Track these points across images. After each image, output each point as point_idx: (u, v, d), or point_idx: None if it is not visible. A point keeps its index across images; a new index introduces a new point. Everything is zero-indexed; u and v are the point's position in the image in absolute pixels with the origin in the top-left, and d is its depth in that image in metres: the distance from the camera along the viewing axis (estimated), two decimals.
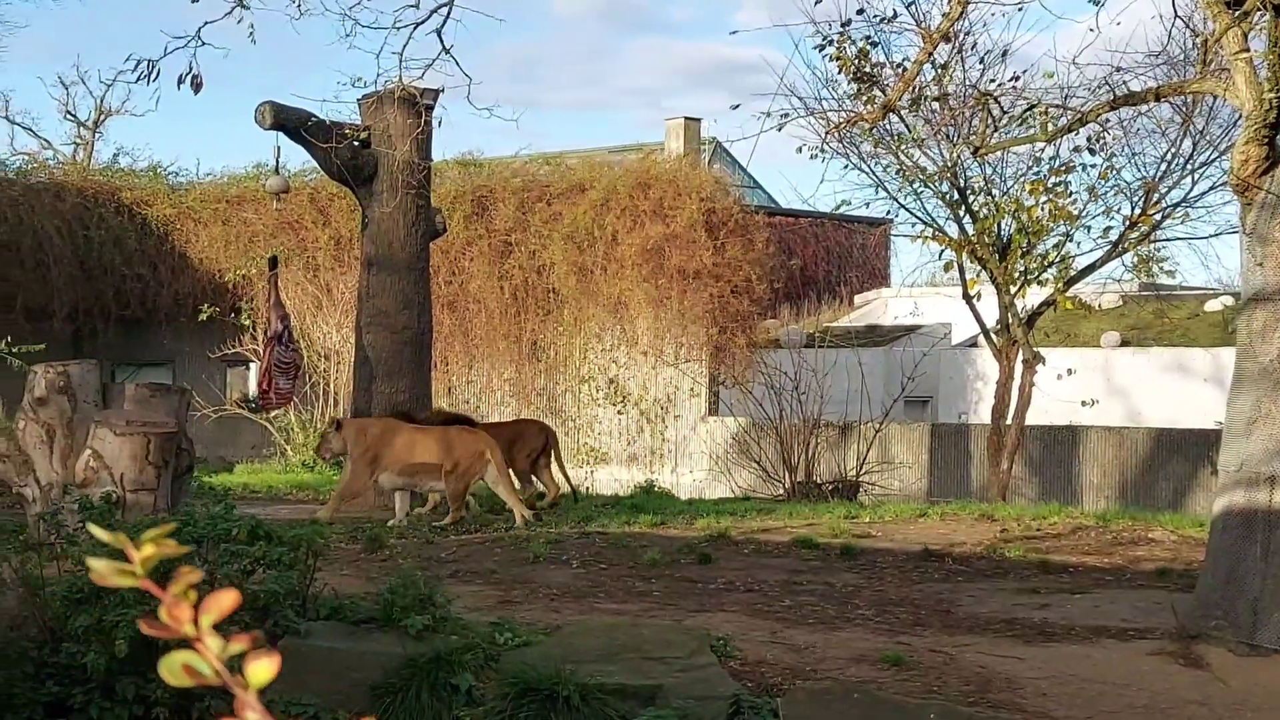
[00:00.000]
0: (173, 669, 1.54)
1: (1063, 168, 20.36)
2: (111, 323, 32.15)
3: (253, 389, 27.93)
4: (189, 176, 34.84)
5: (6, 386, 23.02)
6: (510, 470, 17.15)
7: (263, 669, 1.53)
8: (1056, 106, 16.78)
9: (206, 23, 13.83)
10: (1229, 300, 27.18)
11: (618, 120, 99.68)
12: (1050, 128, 16.50)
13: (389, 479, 16.00)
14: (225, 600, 1.57)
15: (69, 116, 47.35)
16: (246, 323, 28.33)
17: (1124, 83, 15.50)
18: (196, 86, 13.87)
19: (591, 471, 28.74)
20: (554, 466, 18.39)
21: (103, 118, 46.92)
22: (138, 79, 14.03)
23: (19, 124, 48.13)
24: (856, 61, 16.78)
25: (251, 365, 28.79)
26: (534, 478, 18.27)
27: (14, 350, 17.45)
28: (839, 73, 17.27)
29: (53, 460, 12.18)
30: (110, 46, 79.86)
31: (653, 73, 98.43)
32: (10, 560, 9.41)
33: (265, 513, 14.20)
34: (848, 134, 19.79)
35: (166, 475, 12.14)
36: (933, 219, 21.98)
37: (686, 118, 33.75)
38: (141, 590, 1.60)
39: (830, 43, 16.60)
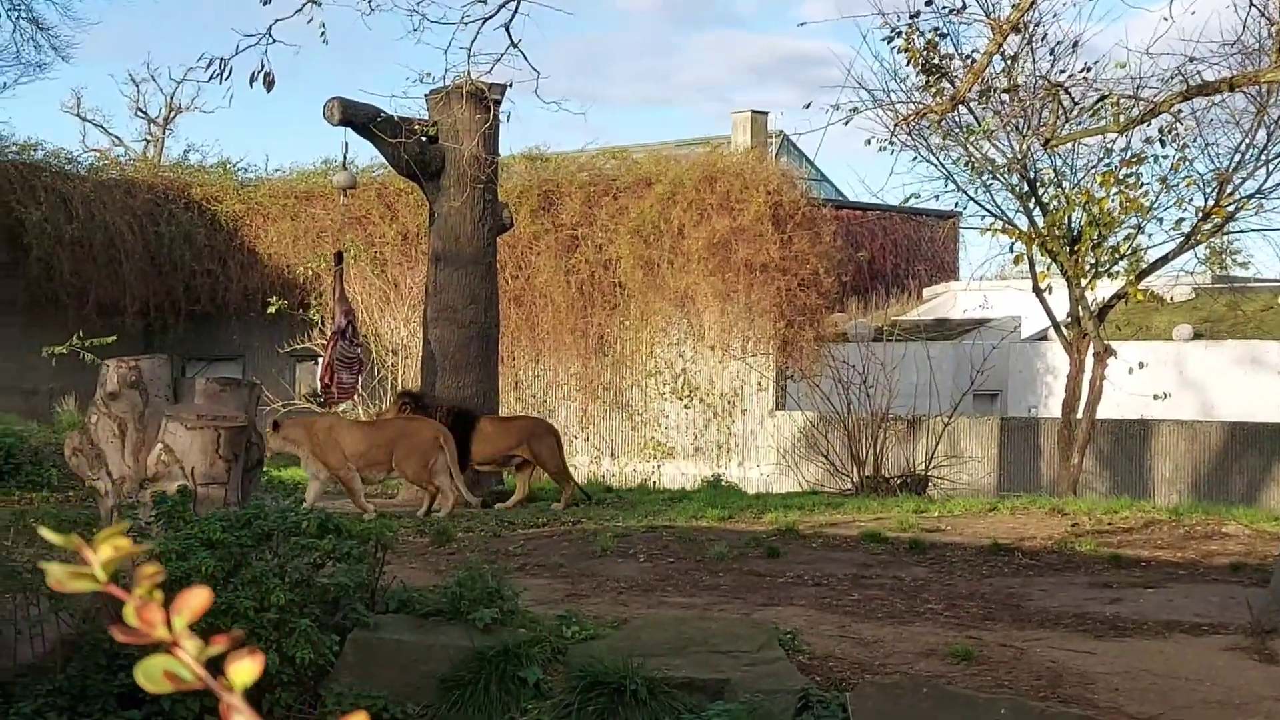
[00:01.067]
0: (151, 675, 1.45)
1: (1134, 159, 20.14)
2: (182, 318, 32.42)
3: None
4: (258, 172, 35.12)
5: (80, 381, 23.27)
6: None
7: (245, 669, 1.46)
8: (1128, 97, 16.62)
9: (277, 20, 13.87)
10: None
11: (682, 115, 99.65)
12: (1122, 119, 16.35)
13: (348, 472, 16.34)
14: (196, 599, 1.48)
15: (140, 113, 47.80)
16: (315, 318, 28.49)
17: (1197, 73, 15.35)
18: (269, 84, 13.93)
19: (658, 466, 28.73)
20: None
21: (173, 114, 47.33)
22: (210, 77, 14.09)
23: (91, 121, 48.61)
24: (925, 53, 16.69)
25: (320, 360, 28.96)
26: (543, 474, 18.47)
27: (87, 345, 17.64)
28: (907, 64, 17.15)
29: (124, 454, 12.27)
30: (180, 43, 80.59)
31: (716, 66, 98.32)
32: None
33: (333, 506, 14.28)
34: (916, 126, 19.65)
35: (237, 469, 12.21)
36: (1002, 211, 21.81)
37: (753, 111, 33.65)
38: (114, 626, 1.52)
39: (898, 34, 16.51)
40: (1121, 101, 16.63)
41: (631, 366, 29.77)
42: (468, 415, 18.21)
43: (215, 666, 1.50)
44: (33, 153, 31.37)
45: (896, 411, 21.88)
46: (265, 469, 15.39)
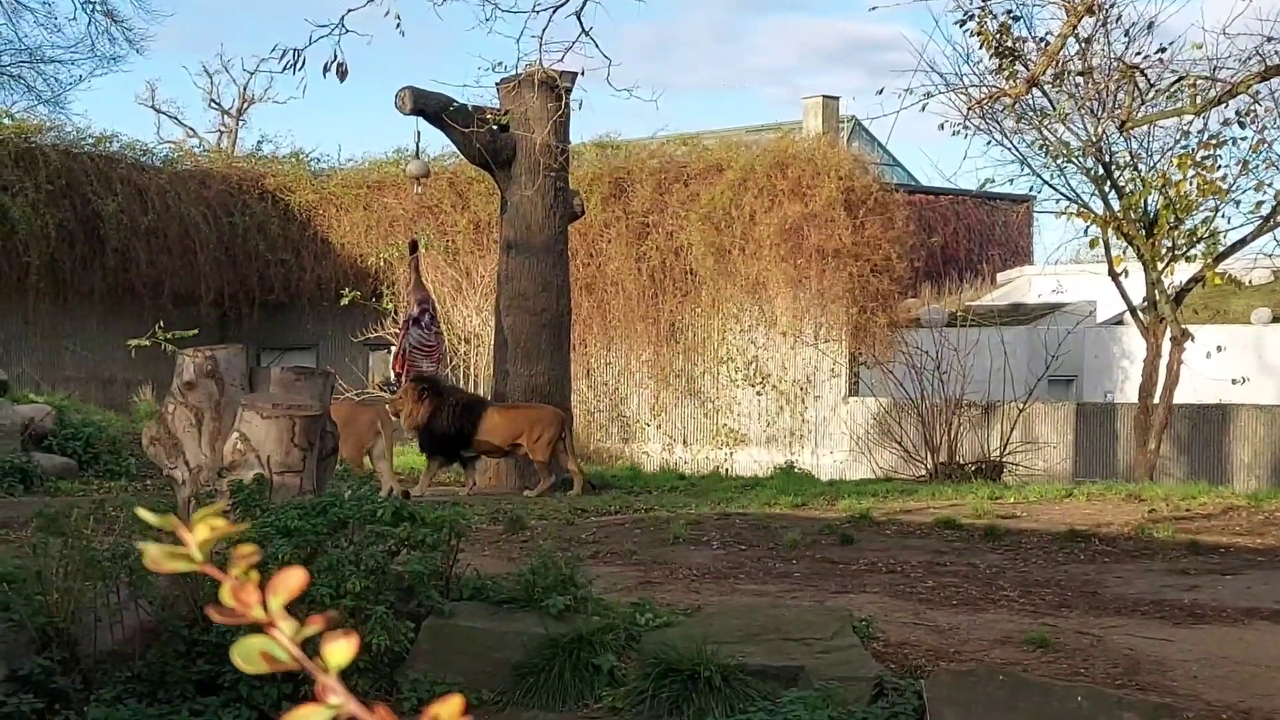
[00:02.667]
0: (248, 655, 1.45)
1: (1212, 141, 19.91)
2: (256, 307, 32.69)
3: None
4: (330, 163, 35.33)
5: (157, 371, 23.50)
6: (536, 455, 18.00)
7: (341, 650, 1.46)
8: (1205, 78, 16.46)
9: (350, 10, 13.95)
10: None
11: (750, 100, 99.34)
12: (1199, 100, 16.19)
13: None
14: (292, 579, 1.49)
15: (213, 105, 48.22)
16: (388, 307, 28.65)
17: (1276, 52, 15.16)
18: (342, 74, 13.99)
19: (731, 453, 28.71)
20: (567, 454, 18.60)
21: (246, 105, 47.71)
22: (284, 68, 14.17)
23: (165, 113, 49.06)
24: (998, 36, 16.59)
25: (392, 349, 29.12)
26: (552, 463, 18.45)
27: (167, 336, 17.81)
28: (980, 48, 17.06)
29: (201, 443, 12.38)
30: (253, 34, 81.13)
31: (784, 52, 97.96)
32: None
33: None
34: (990, 110, 19.53)
35: (312, 458, 12.29)
36: (1077, 195, 21.66)
37: (825, 96, 33.52)
38: (210, 607, 1.51)
39: (971, 18, 16.43)
40: (1198, 83, 16.46)
41: (703, 353, 29.75)
42: (477, 404, 18.47)
43: (308, 648, 1.50)
44: (109, 145, 31.69)
45: (970, 397, 21.77)
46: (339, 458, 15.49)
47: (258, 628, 1.46)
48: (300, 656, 1.46)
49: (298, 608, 1.52)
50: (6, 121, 30.66)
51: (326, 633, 1.48)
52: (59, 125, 31.96)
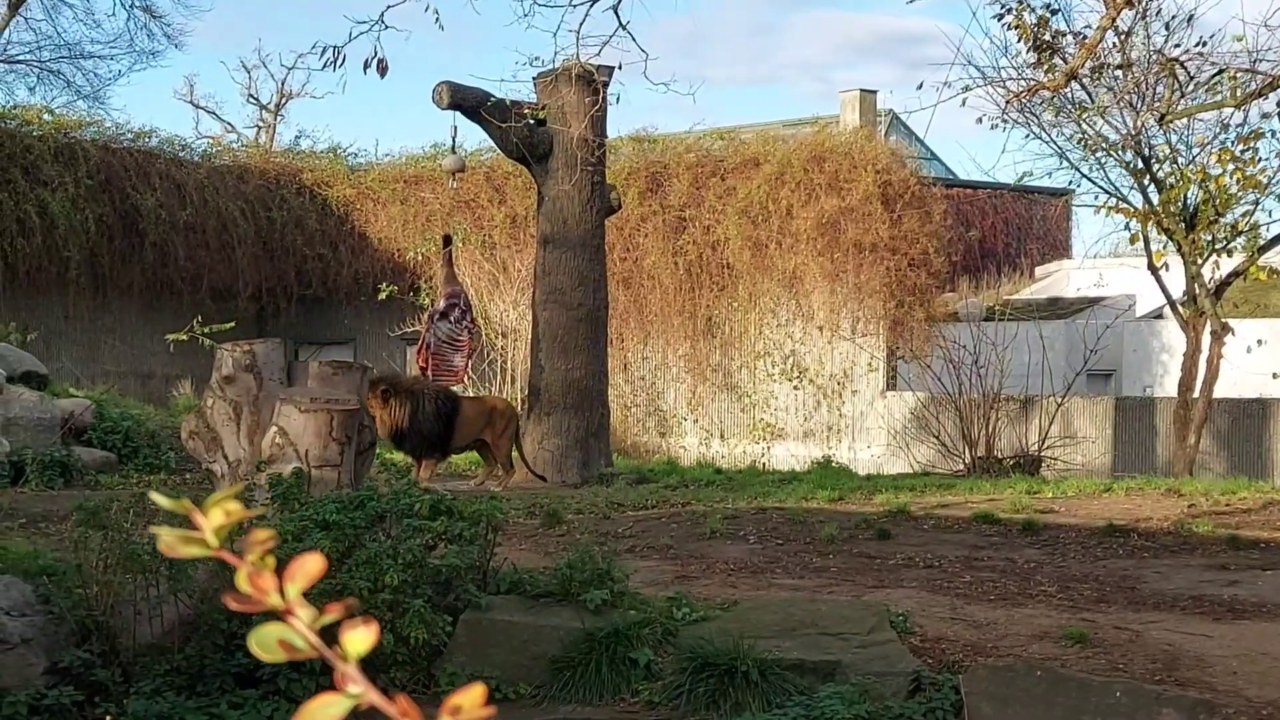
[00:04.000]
0: (265, 643, 1.43)
1: (1252, 134, 19.78)
2: (293, 302, 32.81)
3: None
4: (368, 157, 35.46)
5: (195, 365, 23.59)
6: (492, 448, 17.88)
7: (360, 639, 1.44)
8: (1246, 71, 16.35)
9: (390, 6, 13.96)
10: None
11: (785, 94, 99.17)
12: (1239, 93, 16.08)
13: None
14: (310, 565, 1.46)
15: (251, 100, 48.36)
16: (425, 301, 28.71)
17: None
18: (382, 70, 14.01)
19: (768, 447, 28.68)
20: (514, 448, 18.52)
21: (284, 101, 47.85)
22: (324, 65, 14.20)
23: (203, 108, 49.38)
24: (1036, 29, 16.50)
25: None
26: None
27: (206, 330, 17.90)
28: (1018, 41, 16.98)
29: (240, 437, 12.43)
30: (290, 29, 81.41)
31: (819, 46, 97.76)
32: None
33: (444, 488, 14.39)
34: (1028, 103, 19.45)
35: (349, 451, 12.33)
36: (1116, 189, 21.55)
37: (862, 89, 33.41)
38: (227, 595, 1.51)
39: (1009, 11, 16.35)
40: (1238, 76, 16.34)
41: (740, 348, 29.72)
42: (452, 399, 18.07)
43: (330, 638, 1.50)
44: (148, 140, 31.84)
45: (1008, 392, 21.69)
46: (377, 451, 15.53)
47: (277, 615, 1.45)
48: (319, 644, 1.44)
49: (334, 601, 1.51)
50: (46, 117, 30.84)
51: (346, 621, 1.46)
52: (98, 121, 32.19)
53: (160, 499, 1.57)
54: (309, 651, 1.45)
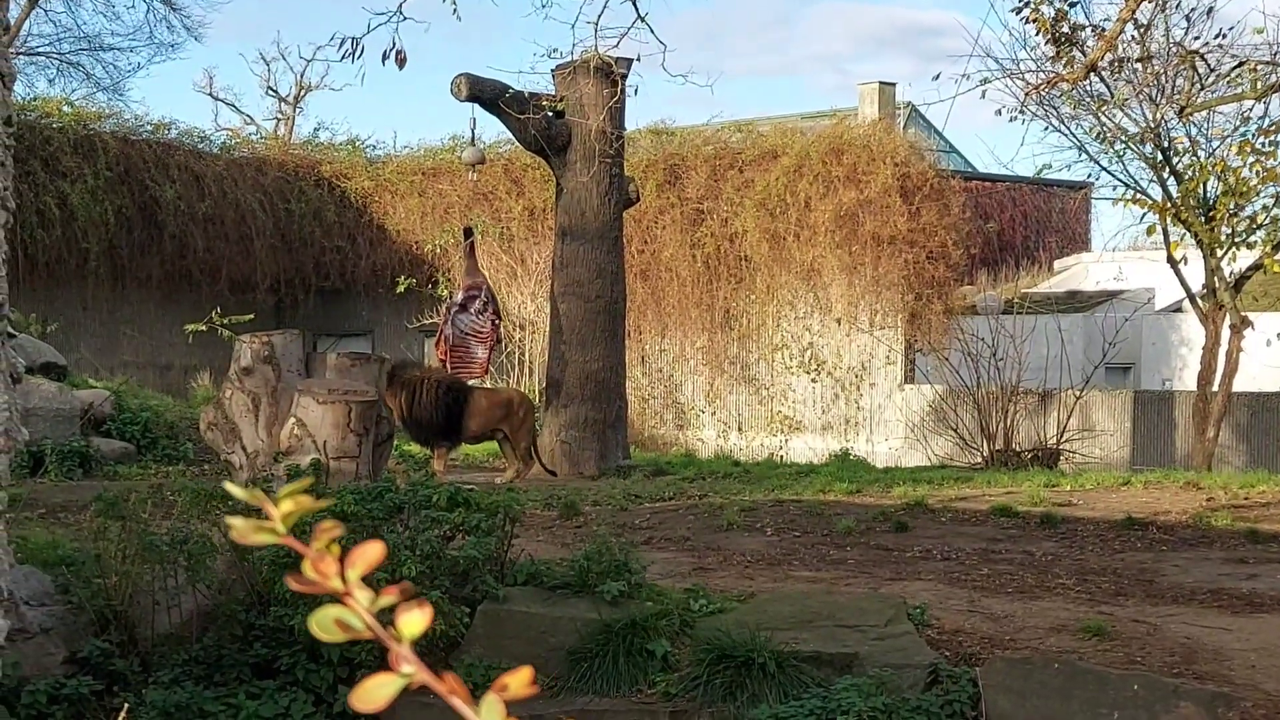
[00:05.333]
0: (324, 624, 1.51)
1: (1273, 127, 19.70)
2: (311, 293, 32.88)
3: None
4: (386, 149, 35.48)
5: (214, 356, 23.66)
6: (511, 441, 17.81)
7: (415, 620, 1.51)
8: (1266, 63, 16.29)
9: None
10: None
11: (802, 87, 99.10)
12: (1260, 85, 16.03)
13: None
14: (371, 552, 1.55)
15: (270, 92, 48.39)
16: (443, 293, 28.72)
17: None
18: (401, 62, 14.03)
19: (785, 440, 28.66)
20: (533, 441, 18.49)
21: (303, 93, 47.87)
22: (342, 57, 14.23)
23: (222, 100, 49.44)
24: (1054, 22, 16.45)
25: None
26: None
27: (225, 321, 17.94)
28: (1036, 34, 16.93)
29: (258, 428, 12.46)
30: (309, 21, 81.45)
31: (836, 38, 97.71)
32: (219, 526, 9.65)
33: (462, 479, 14.41)
34: (1047, 96, 19.41)
35: (367, 443, 12.35)
36: (1135, 181, 21.50)
37: (881, 82, 33.37)
38: (289, 576, 1.59)
39: (1027, 4, 16.30)
40: (1259, 68, 16.28)
41: (758, 340, 29.70)
42: (460, 388, 18.03)
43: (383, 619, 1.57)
44: (167, 132, 31.92)
45: (1027, 385, 21.65)
46: (395, 443, 15.55)
47: (335, 599, 1.53)
48: (375, 625, 1.51)
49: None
50: (66, 109, 30.93)
51: (401, 604, 1.53)
52: (117, 112, 32.29)
53: (234, 489, 1.65)
54: (365, 632, 1.51)
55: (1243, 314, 20.68)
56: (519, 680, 1.52)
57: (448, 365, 18.81)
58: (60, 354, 19.11)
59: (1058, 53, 16.88)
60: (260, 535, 1.56)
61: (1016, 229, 36.20)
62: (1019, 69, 18.66)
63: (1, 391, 4.28)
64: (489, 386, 18.60)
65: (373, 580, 1.53)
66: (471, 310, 19.03)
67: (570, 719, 8.34)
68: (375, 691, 1.51)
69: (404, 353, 29.30)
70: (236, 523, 1.57)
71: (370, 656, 8.71)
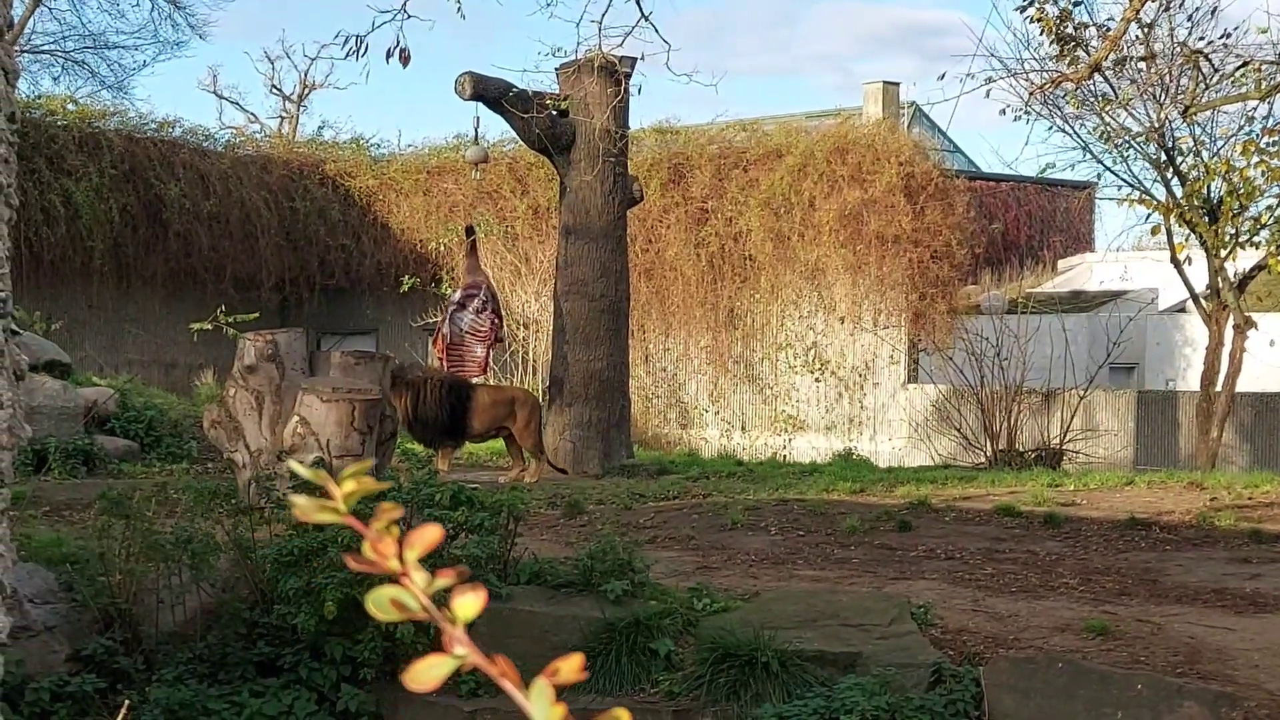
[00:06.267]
0: (381, 604, 1.55)
1: (1277, 127, 19.71)
2: (316, 292, 32.87)
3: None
4: (390, 148, 35.47)
5: (218, 355, 23.67)
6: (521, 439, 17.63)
7: (470, 603, 1.56)
8: (1270, 63, 16.28)
9: None
10: None
11: (806, 86, 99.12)
12: (1264, 85, 16.02)
13: None
14: (429, 534, 1.59)
15: (274, 90, 48.42)
16: (448, 292, 28.72)
17: None
18: (405, 60, 14.03)
19: (789, 439, 28.65)
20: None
21: (307, 91, 47.89)
22: (347, 55, 14.24)
23: (227, 98, 49.28)
24: (1058, 22, 16.45)
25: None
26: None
27: (230, 320, 17.95)
28: (1040, 34, 16.94)
29: (262, 426, 12.47)
30: (313, 19, 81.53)
31: (839, 37, 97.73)
32: (223, 524, 9.66)
33: (466, 478, 14.40)
34: (1051, 96, 19.41)
35: (371, 441, 12.36)
36: (1139, 181, 21.50)
37: (885, 81, 33.37)
38: (349, 555, 1.62)
39: (1031, 3, 16.30)
40: (1263, 68, 16.27)
41: (762, 340, 29.70)
42: (463, 386, 17.97)
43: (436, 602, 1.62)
44: (171, 130, 31.92)
45: (1030, 384, 21.65)
46: (399, 441, 15.55)
47: (391, 579, 1.56)
48: (430, 606, 1.54)
49: (356, 590, 1.58)
50: (71, 107, 30.94)
51: (457, 587, 1.57)
52: (122, 110, 32.28)
53: (299, 468, 1.74)
54: (420, 613, 1.55)
55: (1246, 314, 20.68)
56: (570, 666, 1.55)
57: (445, 364, 18.79)
58: (64, 352, 19.12)
59: (1062, 52, 16.88)
60: (323, 514, 1.59)
61: (1020, 229, 36.20)
62: (1023, 68, 18.67)
63: (5, 388, 4.28)
64: (494, 384, 18.57)
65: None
66: (471, 309, 19.00)
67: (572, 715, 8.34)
68: (428, 672, 1.55)
69: (408, 351, 29.30)
70: (300, 500, 1.60)
71: (374, 655, 8.72)
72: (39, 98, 31.81)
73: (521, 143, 21.14)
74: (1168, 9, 17.99)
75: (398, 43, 13.97)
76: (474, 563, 9.26)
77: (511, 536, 9.80)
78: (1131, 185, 21.38)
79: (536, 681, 1.51)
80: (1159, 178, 21.00)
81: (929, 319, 27.77)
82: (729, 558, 11.67)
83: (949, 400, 23.55)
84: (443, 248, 30.47)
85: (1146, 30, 17.71)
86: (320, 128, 44.46)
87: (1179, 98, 19.40)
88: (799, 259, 28.67)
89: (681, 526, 13.18)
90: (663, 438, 29.92)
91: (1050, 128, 21.29)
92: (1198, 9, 18.61)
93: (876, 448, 26.75)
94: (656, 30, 15.61)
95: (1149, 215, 20.92)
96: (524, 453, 17.92)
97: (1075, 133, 21.54)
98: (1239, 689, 7.95)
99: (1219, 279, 20.47)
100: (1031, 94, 17.73)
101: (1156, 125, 20.35)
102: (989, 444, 20.59)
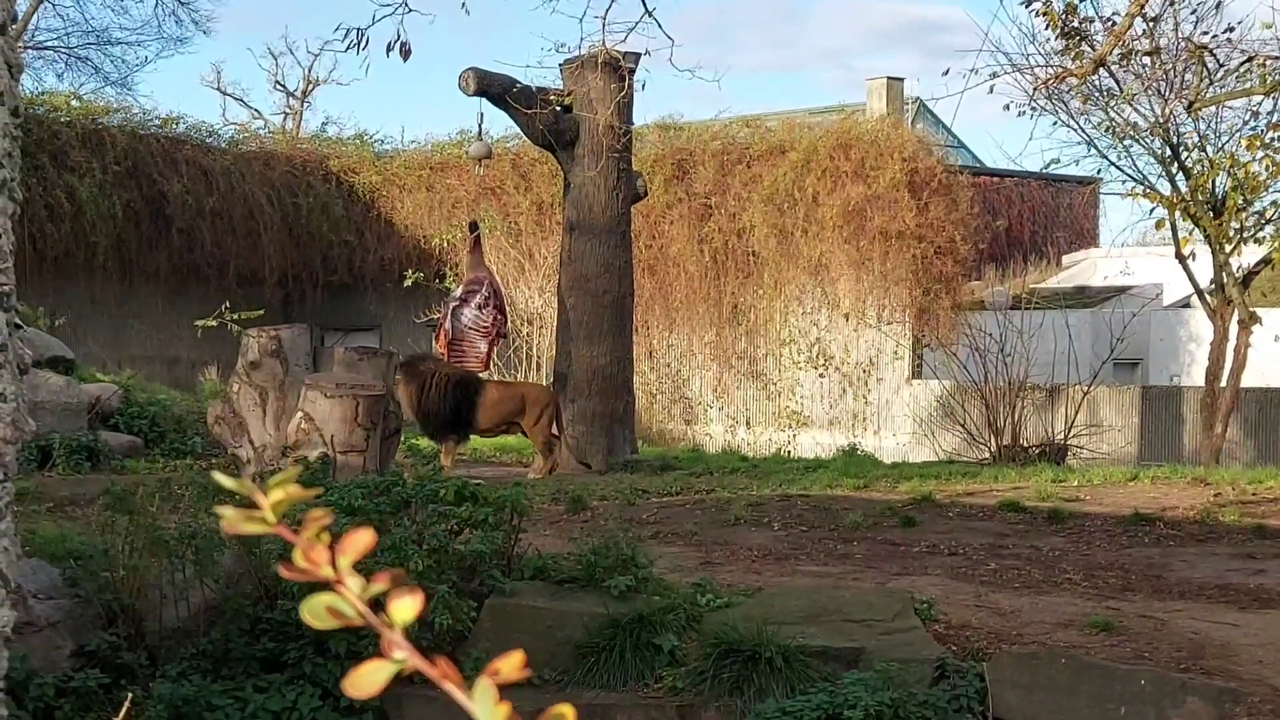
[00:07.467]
0: (315, 611, 1.53)
1: None
2: (319, 288, 32.87)
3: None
4: (394, 144, 35.46)
5: (222, 351, 23.66)
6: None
7: (405, 607, 1.53)
8: (1275, 58, 16.25)
9: None
10: None
11: (810, 82, 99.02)
12: (1269, 80, 16.00)
13: None
14: (361, 540, 1.56)
15: (278, 87, 48.47)
16: (451, 288, 28.72)
17: None
18: (405, 54, 14.02)
19: (793, 435, 28.65)
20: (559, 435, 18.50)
21: (310, 87, 47.94)
22: (347, 48, 14.22)
23: (230, 95, 49.34)
24: (1064, 16, 16.43)
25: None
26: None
27: (234, 316, 17.96)
28: (1046, 28, 16.91)
29: (266, 422, 12.48)
30: (316, 16, 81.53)
31: (843, 33, 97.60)
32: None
33: (470, 474, 14.41)
34: (1056, 91, 19.39)
35: (375, 437, 12.36)
36: (1144, 177, 21.47)
37: (889, 77, 33.30)
38: (281, 564, 1.60)
39: None
40: (1268, 63, 16.24)
41: (765, 335, 29.70)
42: (471, 381, 18.04)
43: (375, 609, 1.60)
44: (174, 126, 31.92)
45: (1034, 380, 21.64)
46: (403, 437, 15.56)
47: (327, 586, 1.54)
48: (366, 612, 1.52)
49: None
50: (74, 103, 30.94)
51: (393, 590, 1.54)
52: (126, 107, 32.29)
53: (222, 479, 1.67)
54: (356, 619, 1.53)
55: (1251, 310, 20.65)
56: (510, 664, 1.52)
57: (447, 358, 18.81)
58: (68, 347, 19.12)
59: (1066, 47, 16.87)
60: (250, 525, 1.57)
61: (1024, 224, 36.15)
62: (1028, 64, 18.65)
63: (9, 383, 4.28)
64: (504, 380, 18.55)
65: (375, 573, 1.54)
66: (473, 304, 19.01)
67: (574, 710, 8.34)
68: (368, 677, 1.53)
69: (412, 347, 29.29)
70: (227, 512, 1.58)
71: (377, 650, 8.70)
72: (43, 94, 31.81)
73: (525, 138, 21.14)
74: (1173, 3, 17.97)
75: (398, 36, 13.96)
76: (478, 558, 9.27)
77: (515, 532, 9.80)
78: (1136, 181, 21.37)
79: (479, 681, 1.49)
80: (1164, 173, 20.98)
81: (933, 315, 27.75)
82: (732, 553, 11.67)
83: (953, 396, 23.54)
84: (446, 244, 30.47)
85: (1151, 25, 17.68)
86: (324, 124, 44.49)
87: (1184, 93, 19.38)
88: (803, 255, 28.66)
89: (685, 522, 13.17)
90: (667, 433, 29.93)
91: (1055, 123, 21.27)
92: (1202, 4, 18.58)
93: (880, 443, 26.73)
94: (660, 26, 15.64)
95: (1154, 210, 20.90)
96: (541, 447, 17.97)
97: (1080, 128, 21.51)
98: (1243, 684, 7.94)
99: (1224, 274, 20.44)
100: (1036, 89, 17.72)
101: (1161, 120, 20.32)
102: (993, 440, 20.58)
